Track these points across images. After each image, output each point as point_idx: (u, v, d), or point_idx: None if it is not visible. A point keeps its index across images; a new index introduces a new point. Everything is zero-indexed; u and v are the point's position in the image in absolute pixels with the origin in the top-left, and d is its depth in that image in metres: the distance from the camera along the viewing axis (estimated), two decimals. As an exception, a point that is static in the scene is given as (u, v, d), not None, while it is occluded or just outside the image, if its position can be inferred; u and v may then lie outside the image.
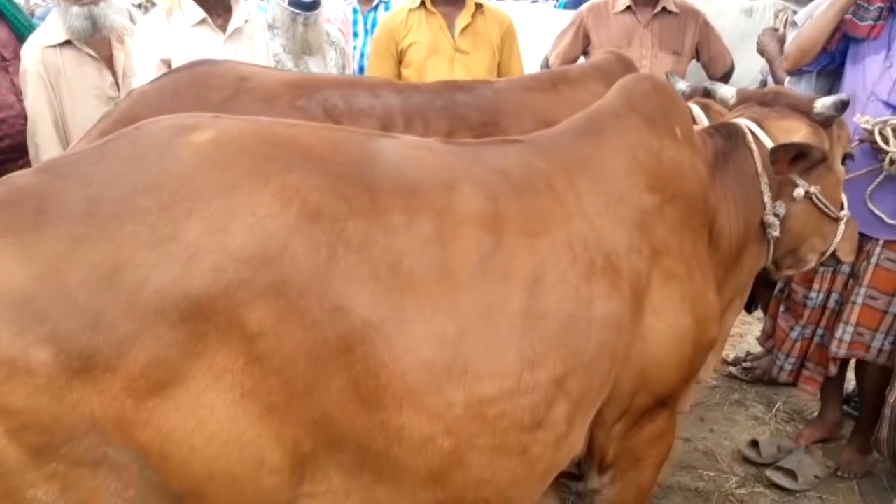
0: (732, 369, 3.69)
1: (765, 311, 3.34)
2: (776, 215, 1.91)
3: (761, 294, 3.33)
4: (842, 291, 2.74)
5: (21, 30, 2.80)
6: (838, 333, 2.71)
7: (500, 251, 1.33)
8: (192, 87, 1.78)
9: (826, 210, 1.98)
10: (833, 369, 2.81)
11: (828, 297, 2.78)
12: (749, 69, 3.51)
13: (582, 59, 3.57)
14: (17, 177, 1.13)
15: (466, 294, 1.27)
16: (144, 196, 1.09)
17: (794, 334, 2.86)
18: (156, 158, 1.13)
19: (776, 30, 3.26)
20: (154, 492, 1.05)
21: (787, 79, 2.97)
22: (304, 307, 1.11)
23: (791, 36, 3.04)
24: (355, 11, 3.94)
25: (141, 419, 1.02)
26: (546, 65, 3.64)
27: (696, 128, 2.12)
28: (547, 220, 1.42)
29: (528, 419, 1.31)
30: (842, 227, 2.05)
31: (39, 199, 1.07)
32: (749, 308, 3.65)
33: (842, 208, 2.05)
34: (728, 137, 1.93)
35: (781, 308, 2.95)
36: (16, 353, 0.98)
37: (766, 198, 1.89)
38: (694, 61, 3.51)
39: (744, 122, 1.97)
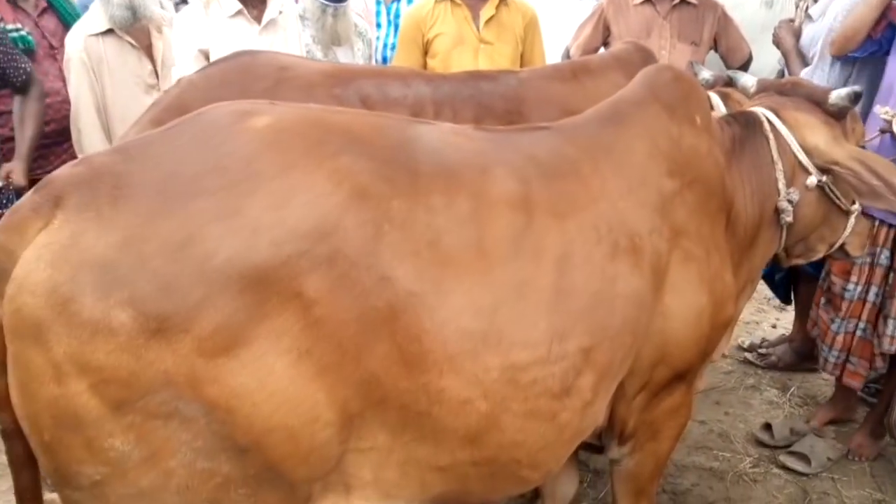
0: (748, 355, 3.76)
1: (803, 302, 3.39)
2: (790, 202, 1.97)
3: (801, 286, 3.40)
4: (881, 284, 2.76)
5: (68, 20, 2.91)
6: (889, 329, 2.72)
7: (531, 231, 1.42)
8: (236, 77, 1.88)
9: (837, 201, 2.04)
10: (881, 364, 2.83)
11: (867, 289, 2.79)
12: (769, 60, 3.55)
13: (602, 50, 3.65)
14: (94, 157, 1.23)
15: (500, 269, 1.36)
16: (210, 176, 1.18)
17: (834, 327, 2.89)
18: (219, 141, 1.23)
19: (792, 21, 3.29)
20: (220, 443, 1.14)
21: (803, 70, 3.02)
22: (354, 277, 1.21)
23: (806, 28, 3.08)
24: (378, 3, 4.02)
25: (209, 376, 1.12)
26: (567, 55, 3.72)
27: (715, 115, 2.19)
28: (574, 202, 1.51)
29: (557, 387, 1.41)
30: (852, 220, 2.10)
31: (115, 177, 1.17)
32: (786, 300, 3.72)
33: (853, 202, 2.10)
34: (746, 125, 2.00)
35: (822, 300, 2.97)
36: (99, 315, 1.08)
37: (781, 184, 1.96)
38: (712, 52, 3.58)
39: (761, 111, 2.04)
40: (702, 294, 1.71)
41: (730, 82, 2.61)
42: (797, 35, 3.14)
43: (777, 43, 3.25)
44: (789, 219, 1.97)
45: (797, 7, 3.32)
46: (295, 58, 2.24)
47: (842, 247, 2.18)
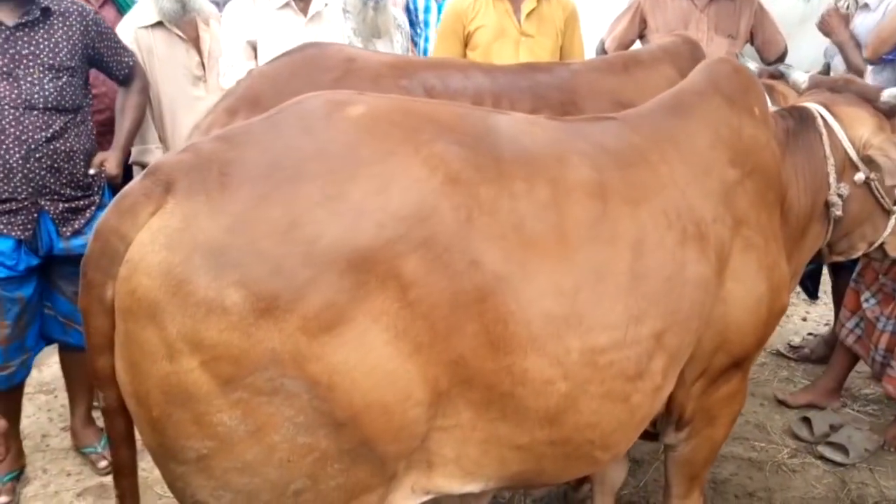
0: (780, 347, 3.78)
1: (839, 297, 3.41)
2: (840, 196, 2.01)
3: (840, 280, 3.40)
4: None
5: (126, 12, 2.97)
6: None
7: (607, 216, 1.45)
8: (305, 68, 1.92)
9: (881, 199, 2.06)
10: None
11: None
12: (808, 53, 3.54)
13: (638, 43, 3.66)
14: (200, 144, 1.28)
15: (579, 254, 1.40)
16: (313, 162, 1.22)
17: (879, 325, 2.91)
18: (319, 129, 1.27)
19: (837, 9, 3.24)
20: (319, 419, 1.19)
21: (869, 68, 2.98)
22: (447, 260, 1.25)
23: (860, 17, 3.05)
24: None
25: (313, 354, 1.16)
26: (602, 49, 3.73)
27: (770, 109, 2.22)
28: (644, 189, 1.54)
29: (632, 369, 1.44)
30: (892, 220, 2.12)
31: (222, 163, 1.21)
32: (813, 295, 3.73)
33: (895, 203, 2.12)
34: (800, 120, 2.04)
35: (871, 299, 2.96)
36: (213, 295, 1.12)
37: (832, 179, 2.00)
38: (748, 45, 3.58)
39: (814, 107, 2.08)
40: (761, 281, 1.75)
41: (774, 75, 2.64)
42: (846, 22, 3.10)
43: (828, 33, 3.21)
44: (839, 213, 2.01)
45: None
46: (360, 50, 2.29)
47: (881, 246, 2.20)
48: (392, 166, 1.25)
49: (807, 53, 3.53)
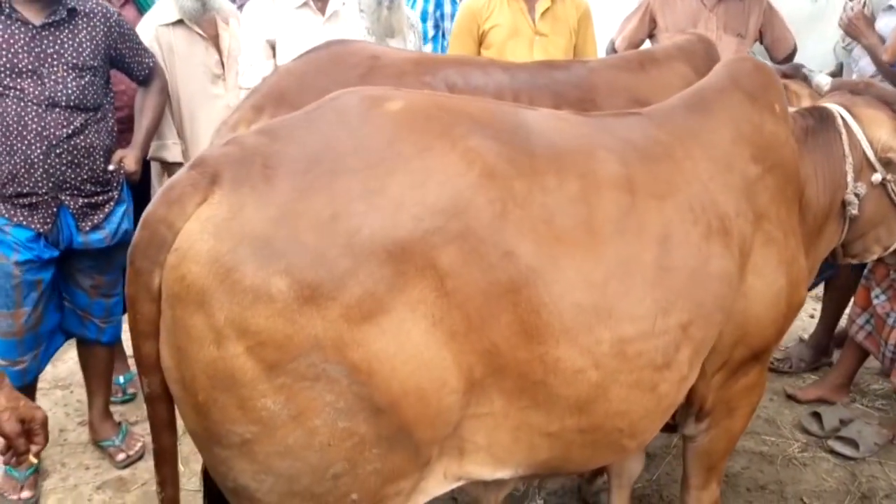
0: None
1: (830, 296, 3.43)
2: (857, 195, 2.04)
3: (834, 280, 3.43)
4: None
5: (146, 11, 3.00)
6: None
7: (635, 210, 1.49)
8: (331, 65, 1.95)
9: None
10: None
11: None
12: (816, 52, 3.57)
13: (648, 43, 3.69)
14: (243, 137, 1.31)
15: (609, 247, 1.43)
16: (353, 156, 1.26)
17: (890, 321, 2.93)
18: (358, 124, 1.31)
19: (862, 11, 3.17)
20: (359, 404, 1.22)
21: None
22: (482, 252, 1.28)
23: (884, 19, 3.05)
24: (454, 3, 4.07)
25: (354, 341, 1.19)
26: (612, 48, 3.77)
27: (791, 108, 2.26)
28: (670, 184, 1.58)
29: (660, 359, 1.48)
30: None
31: (265, 156, 1.25)
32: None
33: None
34: (820, 119, 2.08)
35: (882, 296, 2.98)
36: (259, 283, 1.16)
37: (850, 178, 2.03)
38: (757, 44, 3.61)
39: (835, 108, 2.12)
40: (780, 276, 1.78)
41: (787, 74, 2.67)
42: (870, 23, 3.08)
43: (855, 36, 3.18)
44: (855, 211, 2.04)
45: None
46: (384, 47, 2.32)
47: (895, 252, 2.24)
48: (429, 161, 1.29)
49: (814, 52, 3.56)
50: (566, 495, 2.74)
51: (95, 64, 2.49)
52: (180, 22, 2.90)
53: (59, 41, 2.41)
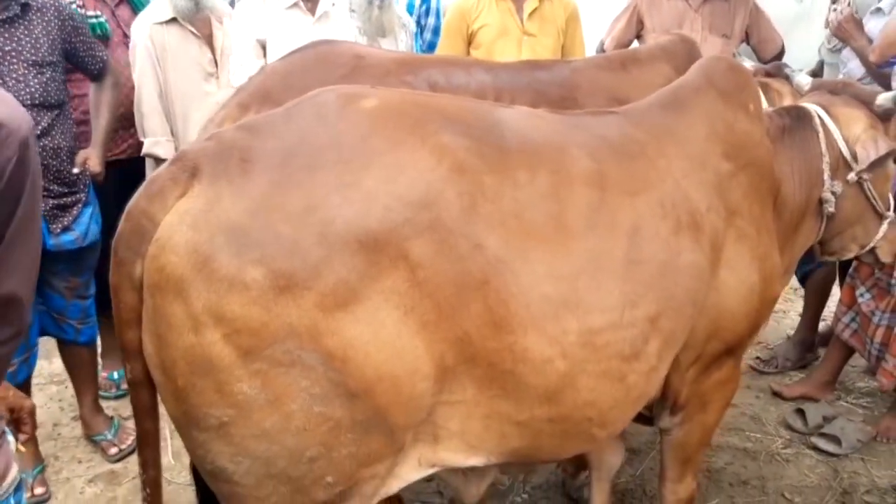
0: (751, 362, 3.63)
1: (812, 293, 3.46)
2: (833, 193, 2.09)
3: (813, 279, 3.46)
4: None
5: (140, 9, 3.05)
6: None
7: (605, 206, 1.53)
8: (315, 64, 2.00)
9: (872, 201, 2.14)
10: None
11: None
12: (801, 52, 3.62)
13: (636, 43, 3.74)
14: (223, 133, 1.36)
15: (578, 240, 1.48)
16: (328, 151, 1.31)
17: (875, 319, 2.97)
18: (333, 121, 1.36)
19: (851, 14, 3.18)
20: (334, 389, 1.26)
21: None
22: (452, 243, 1.33)
23: (872, 21, 3.07)
24: None
25: (329, 329, 1.23)
26: (601, 48, 3.82)
27: (767, 107, 2.30)
28: (642, 180, 1.62)
29: (628, 350, 1.52)
30: (885, 226, 2.20)
31: (243, 151, 1.29)
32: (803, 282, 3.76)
33: (889, 208, 2.19)
34: (798, 118, 2.12)
35: (866, 294, 3.01)
36: (234, 272, 1.20)
37: (826, 176, 2.07)
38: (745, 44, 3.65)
39: (812, 107, 2.17)
40: (753, 271, 1.82)
41: (770, 73, 2.72)
42: (859, 26, 3.10)
43: (844, 39, 3.19)
44: (831, 209, 2.08)
45: (833, 0, 3.35)
46: (369, 47, 2.37)
47: (872, 250, 2.28)
48: (401, 155, 1.33)
49: (800, 52, 3.60)
50: (550, 490, 2.79)
51: (54, 59, 2.45)
52: (174, 20, 2.95)
53: (14, 38, 2.35)
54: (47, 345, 3.22)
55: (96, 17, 2.82)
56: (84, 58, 2.62)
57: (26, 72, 2.36)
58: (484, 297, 1.36)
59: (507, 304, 1.38)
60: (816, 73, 2.64)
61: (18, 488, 1.24)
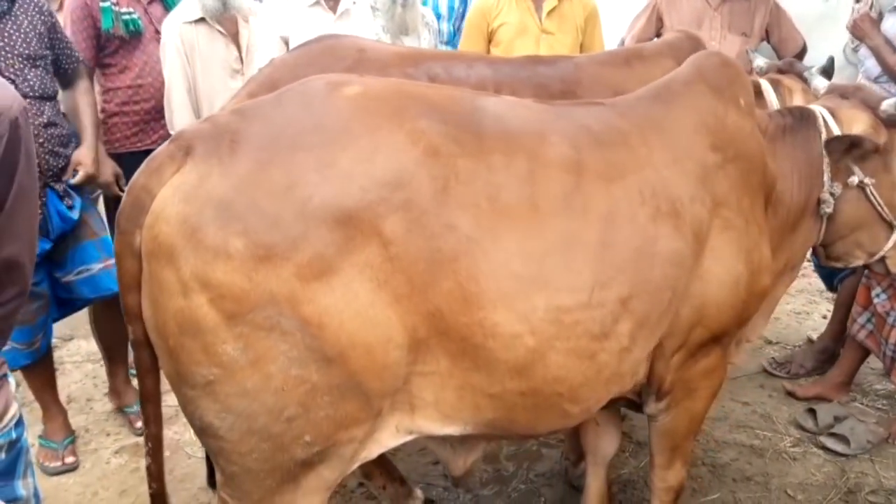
0: (765, 364, 3.60)
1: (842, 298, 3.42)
2: (832, 194, 2.10)
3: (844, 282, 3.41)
4: None
5: (173, 7, 3.22)
6: None
7: (580, 191, 1.60)
8: (321, 57, 2.12)
9: (878, 208, 2.14)
10: None
11: None
12: (826, 52, 3.57)
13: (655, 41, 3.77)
14: (217, 116, 1.49)
15: (550, 223, 1.55)
16: (311, 134, 1.42)
17: (890, 320, 2.94)
18: (318, 106, 1.47)
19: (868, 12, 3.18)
20: (310, 354, 1.37)
21: None
22: (424, 222, 1.42)
23: (890, 20, 3.05)
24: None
25: (306, 297, 1.34)
26: (622, 46, 3.85)
27: (770, 105, 2.33)
28: (621, 168, 1.68)
29: (597, 329, 1.58)
30: (895, 236, 2.19)
31: (233, 132, 1.41)
32: (832, 288, 3.70)
33: None
34: (800, 119, 2.14)
35: (882, 295, 2.98)
36: (219, 242, 1.31)
37: (826, 177, 2.08)
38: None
39: (818, 108, 2.18)
40: (739, 261, 1.85)
41: (782, 69, 2.72)
42: (876, 24, 3.08)
43: (860, 37, 3.18)
44: (829, 210, 2.09)
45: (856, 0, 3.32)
46: (373, 41, 2.47)
47: (882, 259, 2.26)
48: (378, 139, 1.43)
49: (825, 50, 3.55)
50: (553, 477, 2.84)
51: (44, 52, 2.52)
52: (202, 20, 3.11)
53: (5, 34, 2.40)
54: (86, 325, 3.44)
55: (129, 13, 2.99)
56: (59, 55, 2.65)
57: (22, 66, 2.42)
58: (455, 273, 1.45)
59: (477, 281, 1.46)
60: (828, 69, 2.63)
61: (19, 423, 1.38)
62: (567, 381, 1.59)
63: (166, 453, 2.93)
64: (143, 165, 1.43)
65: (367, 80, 1.56)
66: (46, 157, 2.54)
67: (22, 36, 2.44)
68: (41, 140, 2.50)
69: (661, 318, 1.74)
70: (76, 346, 4.00)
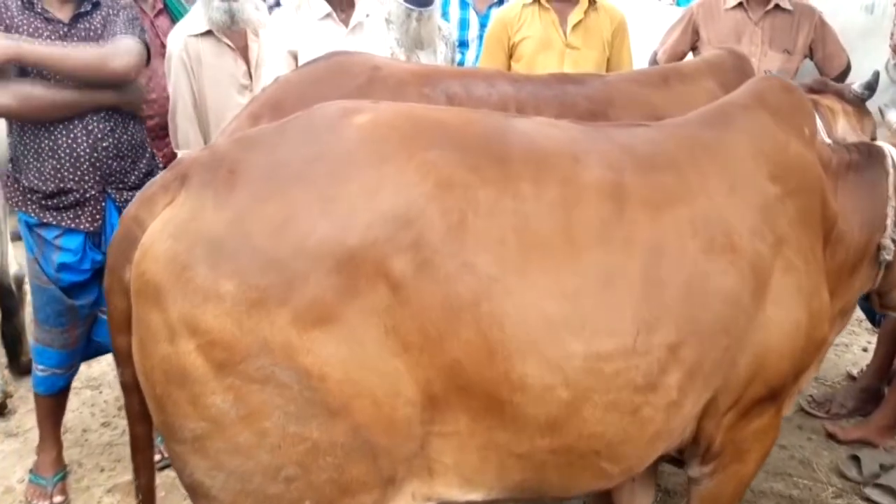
0: (802, 402, 3.34)
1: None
2: (894, 241, 1.92)
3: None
4: None
5: (179, 19, 3.09)
6: None
7: (622, 219, 1.41)
8: (330, 75, 1.96)
9: None
10: None
11: None
12: (871, 68, 3.37)
13: (690, 55, 3.57)
14: (218, 144, 1.37)
15: (587, 256, 1.36)
16: (314, 164, 1.27)
17: None
18: (324, 135, 1.32)
19: None
20: (311, 409, 1.20)
21: None
22: (437, 262, 1.25)
23: None
24: (464, 7, 4.03)
25: (304, 346, 1.18)
26: (654, 60, 3.65)
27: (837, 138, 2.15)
28: (669, 195, 1.49)
29: (641, 379, 1.38)
30: None
31: (232, 163, 1.27)
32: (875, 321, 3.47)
33: None
34: (868, 155, 1.98)
35: None
36: (209, 283, 1.16)
37: (890, 221, 1.91)
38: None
39: (887, 147, 2.02)
40: (800, 307, 1.65)
41: (814, 89, 2.52)
42: None
43: None
44: (889, 257, 1.92)
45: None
46: (387, 58, 2.31)
47: None
48: (384, 171, 1.28)
49: (870, 67, 3.35)
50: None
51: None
52: (209, 33, 2.96)
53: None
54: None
55: (136, 26, 2.85)
56: None
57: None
58: (475, 320, 1.27)
59: (501, 327, 1.28)
60: (872, 85, 2.45)
61: None
62: (605, 437, 1.39)
63: (161, 493, 2.78)
64: (137, 195, 1.32)
65: (380, 107, 1.42)
66: (110, 161, 2.44)
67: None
68: (105, 144, 2.42)
69: (715, 367, 1.52)
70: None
